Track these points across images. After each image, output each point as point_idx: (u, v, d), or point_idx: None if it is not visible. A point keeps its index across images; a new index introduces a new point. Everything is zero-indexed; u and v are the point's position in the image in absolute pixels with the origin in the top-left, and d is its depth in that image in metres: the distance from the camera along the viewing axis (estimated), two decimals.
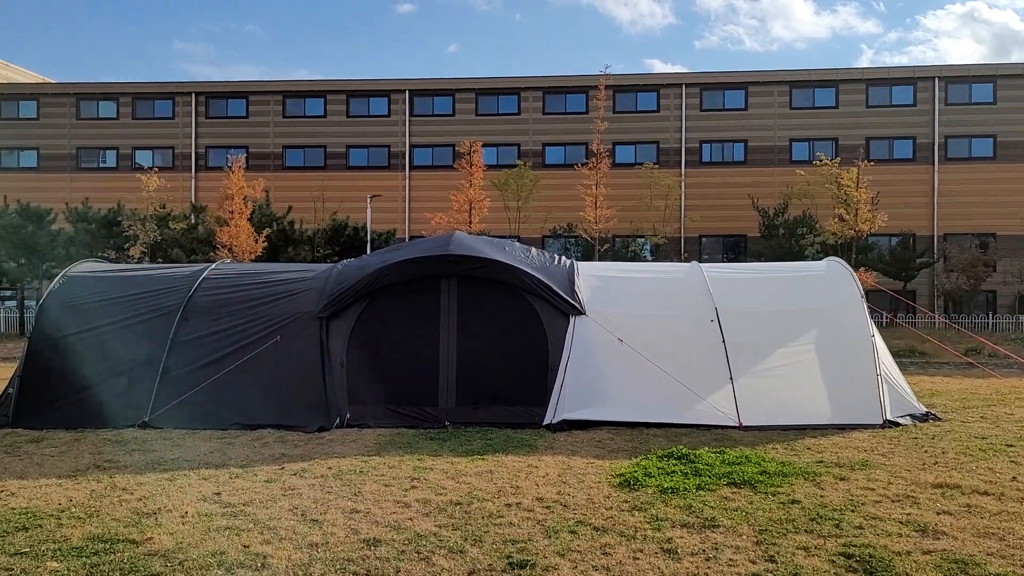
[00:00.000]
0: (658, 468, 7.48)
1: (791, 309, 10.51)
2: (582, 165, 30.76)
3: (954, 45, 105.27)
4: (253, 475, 7.47)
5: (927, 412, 10.46)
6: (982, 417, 10.67)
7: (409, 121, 41.62)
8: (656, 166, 36.28)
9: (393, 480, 7.26)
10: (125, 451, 8.50)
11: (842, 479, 7.16)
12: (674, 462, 7.71)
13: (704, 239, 38.74)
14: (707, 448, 8.30)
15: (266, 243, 27.07)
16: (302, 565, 5.05)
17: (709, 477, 7.16)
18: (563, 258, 11.57)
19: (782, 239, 31.99)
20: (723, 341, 10.14)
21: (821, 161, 29.97)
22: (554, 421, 9.81)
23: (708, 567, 5.03)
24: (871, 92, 38.62)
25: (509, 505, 6.42)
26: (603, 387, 10.06)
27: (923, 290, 36.48)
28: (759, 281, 11.17)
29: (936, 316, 30.72)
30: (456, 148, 35.62)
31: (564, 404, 9.90)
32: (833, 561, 5.09)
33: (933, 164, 37.92)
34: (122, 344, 10.30)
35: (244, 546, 5.39)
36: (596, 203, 28.51)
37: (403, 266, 10.54)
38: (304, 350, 10.21)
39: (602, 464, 7.91)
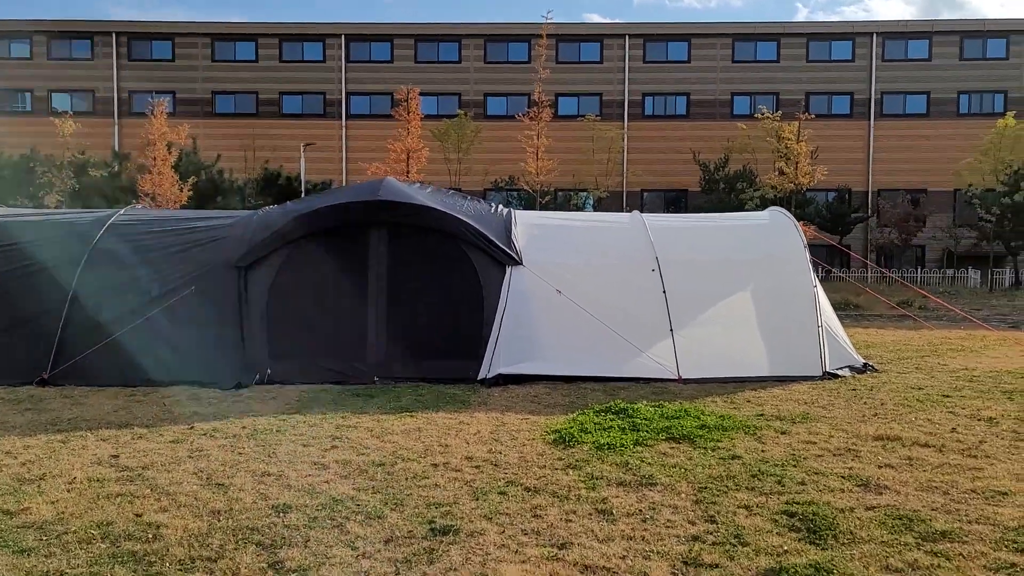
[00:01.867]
0: (595, 423, 7.14)
1: (733, 258, 10.24)
2: (524, 115, 30.10)
3: (884, 5, 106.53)
4: (158, 435, 6.87)
5: (865, 363, 10.38)
6: (917, 368, 10.65)
7: (345, 68, 40.18)
8: (599, 118, 35.82)
9: (312, 440, 6.75)
10: (16, 411, 7.78)
11: (783, 433, 6.93)
12: (611, 417, 7.38)
13: (646, 193, 38.60)
14: (646, 402, 8.00)
15: (192, 192, 25.81)
16: (199, 536, 4.54)
17: (647, 432, 6.84)
18: (500, 207, 11.07)
19: (722, 193, 32.00)
20: (664, 291, 9.83)
21: (763, 115, 29.89)
22: (489, 376, 9.40)
23: (645, 529, 4.69)
24: (811, 47, 38.69)
25: (436, 465, 5.99)
26: (540, 340, 9.67)
27: (857, 245, 37.12)
28: (701, 230, 10.86)
29: (870, 267, 31.26)
30: (394, 96, 34.52)
31: (499, 358, 9.48)
32: (775, 520, 4.81)
33: (869, 120, 38.35)
34: (19, 295, 9.47)
35: (136, 515, 4.84)
36: (538, 155, 27.94)
37: (329, 212, 9.90)
38: (221, 302, 9.53)
39: (537, 420, 7.54)
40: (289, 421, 7.43)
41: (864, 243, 37.21)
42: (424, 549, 4.41)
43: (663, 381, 9.40)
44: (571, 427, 7.03)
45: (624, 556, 4.33)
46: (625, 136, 36.17)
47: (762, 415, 7.63)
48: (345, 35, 40.16)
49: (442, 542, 4.51)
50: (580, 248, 10.30)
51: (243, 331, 9.40)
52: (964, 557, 4.26)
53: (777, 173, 28.25)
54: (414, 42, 40.17)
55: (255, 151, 34.90)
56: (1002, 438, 6.70)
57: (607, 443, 6.48)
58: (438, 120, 35.08)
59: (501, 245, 9.91)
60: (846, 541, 4.49)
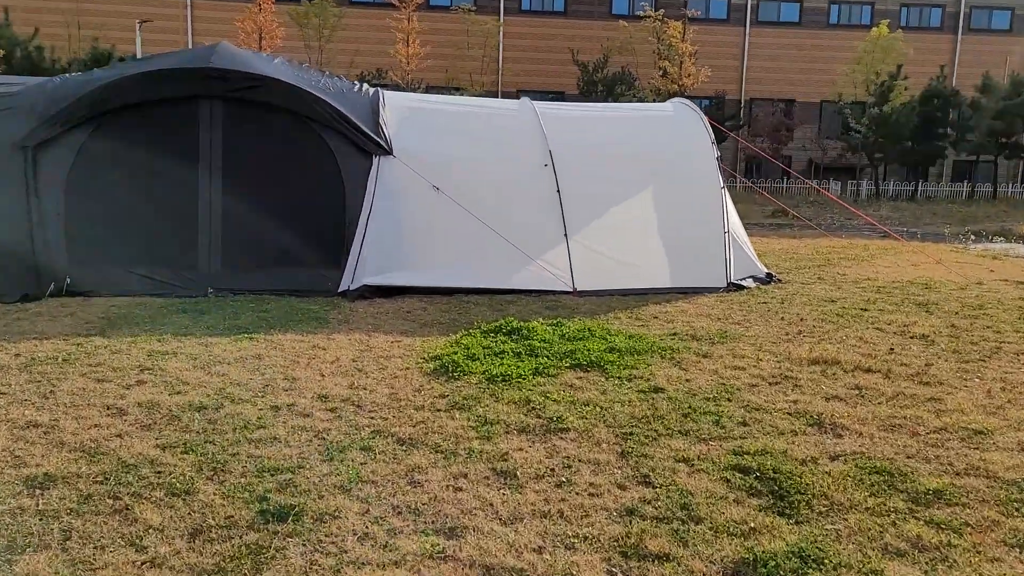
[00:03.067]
0: (483, 347, 5.81)
1: (634, 154, 8.98)
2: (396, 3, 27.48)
3: None
4: None
5: (768, 273, 9.55)
6: (819, 278, 9.95)
7: None
8: (473, 10, 33.46)
9: (112, 372, 5.07)
10: None
11: (704, 356, 5.86)
12: (502, 338, 6.08)
13: (522, 94, 36.81)
14: (541, 320, 6.74)
15: (4, 69, 21.86)
16: None
17: (547, 358, 5.59)
18: (366, 85, 9.26)
19: (601, 96, 30.76)
20: (558, 191, 8.49)
21: (645, 11, 28.56)
22: (352, 287, 7.84)
23: (562, 500, 3.45)
24: None
25: (277, 408, 4.51)
26: (414, 245, 8.16)
27: (727, 154, 37.16)
28: (600, 121, 9.49)
29: (739, 178, 31.29)
30: None
31: (365, 266, 7.93)
32: (727, 480, 3.68)
33: (745, 26, 37.90)
34: None
35: None
36: (409, 40, 25.48)
37: (145, 81, 7.81)
38: (1, 193, 7.40)
39: (411, 343, 6.13)
40: (85, 346, 5.67)
41: (734, 152, 37.33)
42: (247, 547, 2.98)
43: (556, 294, 8.17)
44: (454, 352, 5.68)
45: (540, 548, 3.07)
46: (501, 30, 34.01)
47: (675, 334, 6.54)
48: None
49: (276, 534, 3.10)
50: (462, 137, 8.74)
51: (32, 229, 7.34)
52: (973, 528, 3.28)
53: (661, 74, 27.14)
54: None
55: (80, 28, 30.38)
56: (946, 360, 5.90)
57: (501, 373, 5.18)
58: (297, 4, 31.68)
59: (366, 129, 8.20)
60: (823, 509, 3.42)
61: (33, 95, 7.98)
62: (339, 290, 7.87)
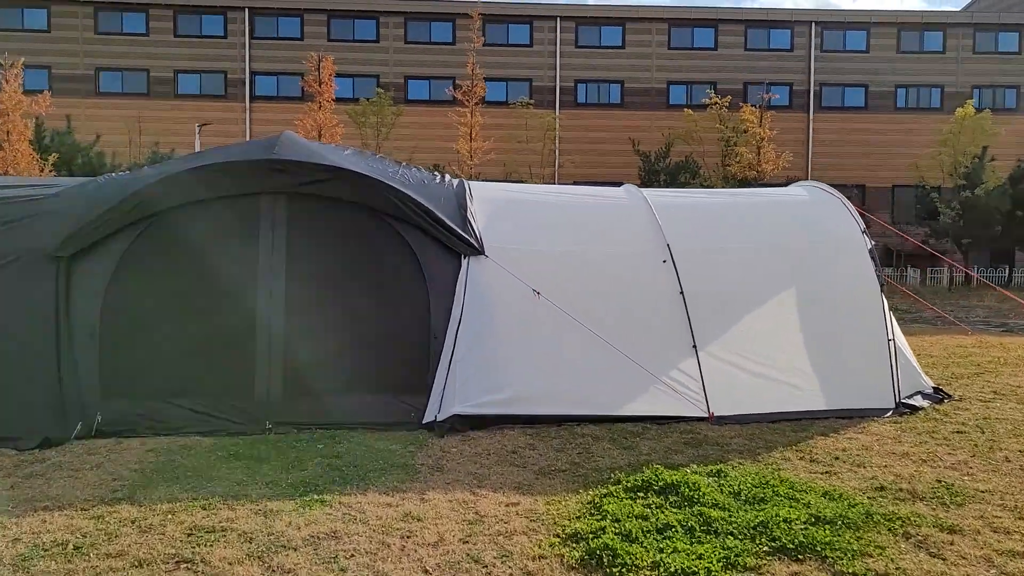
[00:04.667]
0: (636, 517, 4.23)
1: (770, 246, 7.49)
2: (453, 92, 27.03)
3: None
4: None
5: (936, 387, 7.83)
6: (994, 393, 8.14)
7: (249, 44, 36.14)
8: (532, 103, 33.09)
9: (137, 571, 3.62)
10: None
11: (953, 531, 4.17)
12: (656, 500, 4.50)
13: (581, 185, 36.05)
14: (694, 466, 5.15)
15: (53, 171, 21.61)
16: None
17: (733, 536, 3.99)
18: (447, 176, 8.06)
19: (663, 186, 29.65)
20: (681, 291, 7.02)
21: (711, 99, 27.60)
22: (440, 418, 6.36)
23: None
24: (750, 34, 36.96)
25: None
26: (511, 363, 6.69)
27: None
28: (722, 209, 8.04)
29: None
30: (304, 75, 30.88)
31: (455, 391, 6.46)
32: None
33: (808, 112, 36.89)
34: None
35: None
36: (472, 135, 24.78)
37: (200, 175, 6.65)
38: (26, 312, 6.20)
39: (534, 506, 4.57)
40: (106, 521, 4.24)
41: None
42: None
43: (689, 420, 6.58)
44: (599, 525, 4.11)
45: None
46: (557, 122, 33.43)
47: (882, 489, 4.86)
48: (249, 8, 36.15)
49: None
50: (562, 232, 7.38)
51: (59, 356, 6.09)
52: None
53: (737, 160, 25.72)
54: (327, 18, 36.50)
55: (141, 134, 30.62)
56: None
57: (681, 569, 3.58)
58: (355, 103, 31.68)
59: (453, 225, 6.90)
60: None
61: (72, 197, 6.88)
62: (424, 421, 6.40)
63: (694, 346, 6.90)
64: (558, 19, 37.30)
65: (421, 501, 4.62)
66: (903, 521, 4.25)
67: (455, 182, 7.77)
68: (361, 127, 29.77)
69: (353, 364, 6.54)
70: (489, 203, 7.47)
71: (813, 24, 37.30)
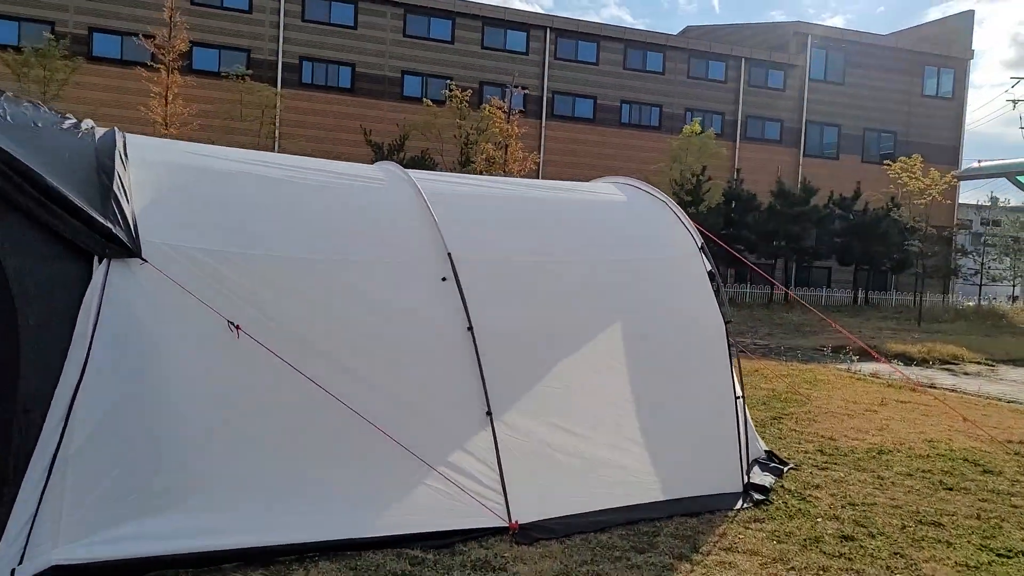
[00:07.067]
0: None
1: (583, 263, 5.28)
2: (145, 42, 22.40)
3: None
4: None
5: (769, 452, 6.17)
6: (820, 452, 6.69)
7: None
8: (249, 73, 28.99)
9: None
10: None
11: None
12: None
13: None
14: None
15: None
16: None
17: None
18: (90, 122, 4.83)
19: None
20: (470, 327, 4.55)
21: (451, 91, 25.65)
22: (23, 568, 3.26)
23: None
24: (487, 32, 35.92)
25: None
26: (185, 453, 3.77)
27: None
28: (523, 204, 5.58)
29: None
30: None
31: (62, 515, 3.39)
32: None
33: (542, 118, 36.71)
34: None
35: None
36: (168, 96, 20.33)
37: None
38: None
39: None
40: None
41: None
42: None
43: (482, 535, 4.14)
44: None
45: None
46: (279, 99, 29.62)
47: None
48: None
49: None
50: (287, 225, 4.54)
51: None
52: None
53: (483, 159, 23.90)
54: None
55: None
56: None
57: None
58: (18, 52, 25.40)
59: (76, 200, 3.79)
60: None
61: None
62: None
63: (488, 413, 4.47)
64: None
65: None
66: None
67: (99, 131, 4.60)
68: (21, 80, 23.82)
69: None
70: (159, 168, 4.42)
71: (548, 30, 37.21)
